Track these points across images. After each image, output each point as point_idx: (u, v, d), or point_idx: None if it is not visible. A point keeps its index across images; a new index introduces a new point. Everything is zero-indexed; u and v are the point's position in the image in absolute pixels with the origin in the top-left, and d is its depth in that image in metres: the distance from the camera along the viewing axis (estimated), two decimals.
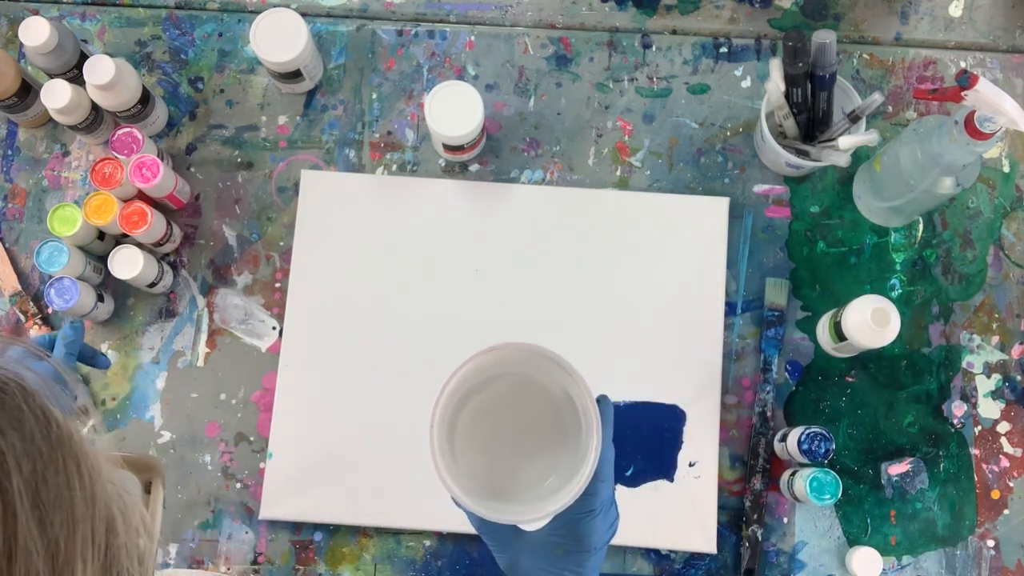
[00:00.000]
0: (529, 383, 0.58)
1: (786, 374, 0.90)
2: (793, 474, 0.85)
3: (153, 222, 0.87)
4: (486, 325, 0.90)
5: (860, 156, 0.93)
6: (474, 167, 0.95)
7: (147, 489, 0.41)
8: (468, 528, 0.63)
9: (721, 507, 0.87)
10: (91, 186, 0.89)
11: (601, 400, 0.56)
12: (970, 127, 0.74)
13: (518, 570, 0.59)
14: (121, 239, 0.92)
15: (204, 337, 0.92)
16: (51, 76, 0.89)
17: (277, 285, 0.92)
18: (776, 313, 0.90)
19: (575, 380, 0.54)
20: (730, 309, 0.91)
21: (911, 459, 0.89)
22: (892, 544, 0.87)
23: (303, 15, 0.90)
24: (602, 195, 0.93)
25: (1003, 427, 0.90)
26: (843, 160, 0.84)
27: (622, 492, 0.87)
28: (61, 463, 0.32)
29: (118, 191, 0.87)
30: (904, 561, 0.87)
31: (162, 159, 0.91)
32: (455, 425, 0.57)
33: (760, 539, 0.86)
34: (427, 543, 0.88)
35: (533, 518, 0.54)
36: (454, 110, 0.87)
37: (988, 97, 0.73)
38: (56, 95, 0.86)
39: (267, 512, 0.87)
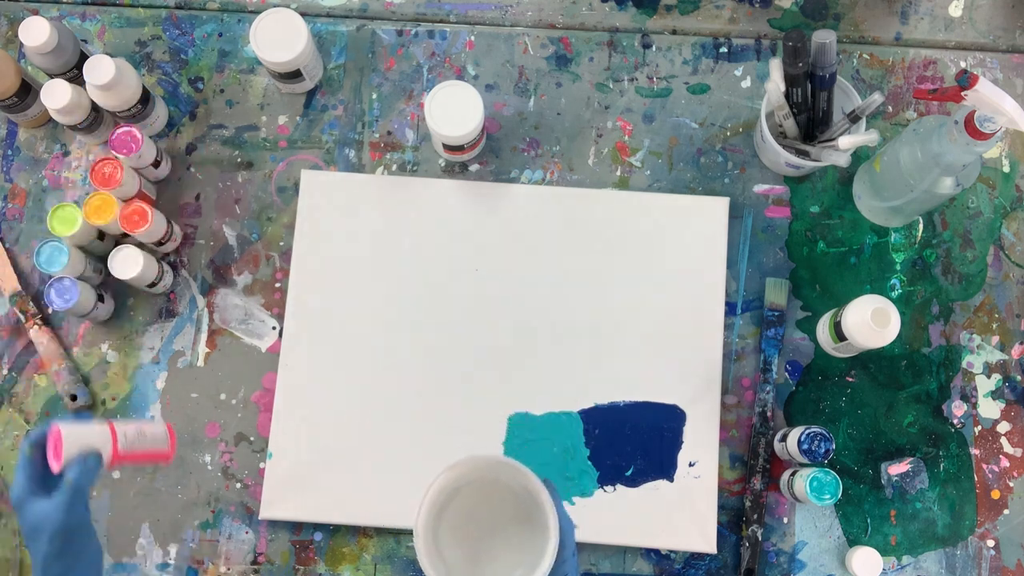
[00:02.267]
0: (495, 483, 0.66)
1: (786, 374, 0.90)
2: (793, 474, 0.85)
3: (153, 221, 0.87)
4: (486, 325, 0.90)
5: (860, 156, 0.93)
6: (474, 167, 0.95)
7: None
8: None
9: (721, 507, 0.87)
10: (91, 186, 0.89)
11: (546, 483, 0.63)
12: (970, 127, 0.74)
13: None
14: (121, 239, 0.92)
15: (204, 337, 0.92)
16: (51, 76, 0.89)
17: (277, 285, 0.92)
18: (776, 313, 0.90)
19: (524, 474, 0.62)
20: (730, 309, 0.91)
21: (911, 459, 0.89)
22: (892, 544, 0.87)
23: (303, 15, 0.90)
24: (602, 195, 0.93)
25: (1003, 427, 0.90)
26: (843, 160, 0.84)
27: (622, 492, 0.87)
28: None
29: (118, 191, 0.87)
30: (904, 561, 0.87)
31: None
32: (439, 529, 0.64)
33: (760, 539, 0.86)
34: None
35: None
36: (454, 110, 0.87)
37: (988, 97, 0.73)
38: (56, 95, 0.86)
39: (267, 512, 0.87)
